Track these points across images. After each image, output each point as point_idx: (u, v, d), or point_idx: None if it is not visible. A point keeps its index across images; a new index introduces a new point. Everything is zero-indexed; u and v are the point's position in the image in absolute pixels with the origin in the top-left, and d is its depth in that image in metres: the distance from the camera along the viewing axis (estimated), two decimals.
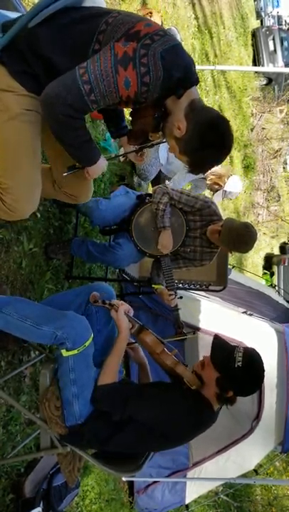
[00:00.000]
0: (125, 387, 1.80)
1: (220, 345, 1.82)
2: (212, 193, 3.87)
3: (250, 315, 3.86)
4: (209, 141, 1.55)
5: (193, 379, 1.79)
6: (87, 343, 1.70)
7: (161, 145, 3.67)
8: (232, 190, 3.71)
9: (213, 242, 2.65)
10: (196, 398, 1.77)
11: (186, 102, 1.56)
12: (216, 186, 3.78)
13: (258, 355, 1.79)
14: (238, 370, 1.69)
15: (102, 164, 1.78)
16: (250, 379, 1.75)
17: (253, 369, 1.74)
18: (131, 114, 1.73)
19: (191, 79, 1.56)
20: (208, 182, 3.92)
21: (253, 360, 1.75)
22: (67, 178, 1.99)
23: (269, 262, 11.77)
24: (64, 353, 1.67)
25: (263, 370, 1.78)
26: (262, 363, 1.77)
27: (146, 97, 1.50)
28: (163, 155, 3.73)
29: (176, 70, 1.47)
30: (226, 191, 3.72)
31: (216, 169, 3.73)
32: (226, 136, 1.57)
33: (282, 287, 10.25)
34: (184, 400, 1.76)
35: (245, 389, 1.78)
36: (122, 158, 3.88)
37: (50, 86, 1.46)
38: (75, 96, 1.44)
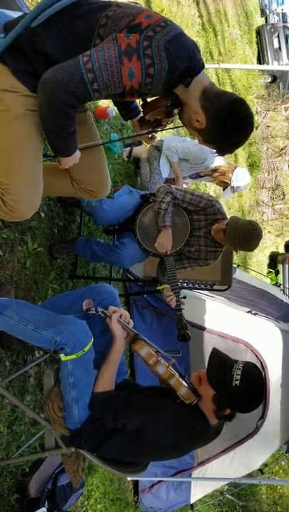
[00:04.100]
0: (118, 397, 1.75)
1: (217, 361, 1.73)
2: (222, 188, 3.87)
3: (255, 314, 3.85)
4: (231, 129, 1.56)
5: (188, 393, 1.72)
6: (86, 348, 1.69)
7: (162, 159, 3.68)
8: (239, 184, 3.68)
9: (218, 241, 2.63)
10: (190, 412, 1.70)
11: (198, 90, 1.55)
12: (223, 184, 3.77)
13: (259, 371, 1.71)
14: (236, 389, 1.61)
15: (77, 156, 1.76)
16: (250, 397, 1.66)
17: (251, 388, 1.65)
18: (142, 106, 1.73)
19: (196, 66, 1.54)
20: (212, 180, 3.91)
21: (252, 378, 1.65)
22: (84, 174, 2.01)
23: (274, 260, 11.74)
24: (63, 357, 1.67)
25: (263, 389, 1.71)
26: (262, 381, 1.70)
27: (150, 89, 1.50)
28: (167, 168, 3.74)
29: (180, 60, 1.46)
30: (233, 187, 3.70)
31: (219, 166, 3.71)
32: (246, 119, 1.57)
33: (287, 286, 10.22)
34: (175, 413, 1.70)
35: (244, 407, 1.68)
36: (125, 158, 3.87)
37: (52, 71, 1.44)
38: (78, 84, 1.42)
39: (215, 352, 1.77)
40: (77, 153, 1.76)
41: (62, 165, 1.78)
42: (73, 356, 1.67)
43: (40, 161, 1.73)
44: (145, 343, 1.84)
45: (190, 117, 1.61)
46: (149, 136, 2.03)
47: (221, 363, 1.72)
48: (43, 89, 1.45)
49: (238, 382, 1.60)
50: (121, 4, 1.54)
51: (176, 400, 1.74)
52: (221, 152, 1.72)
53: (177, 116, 1.71)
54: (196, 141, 1.78)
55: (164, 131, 4.31)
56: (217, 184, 3.91)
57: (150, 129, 1.91)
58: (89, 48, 1.48)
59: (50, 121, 1.53)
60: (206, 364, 1.75)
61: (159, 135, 3.79)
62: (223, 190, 3.80)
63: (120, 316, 1.85)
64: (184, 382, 1.78)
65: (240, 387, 1.60)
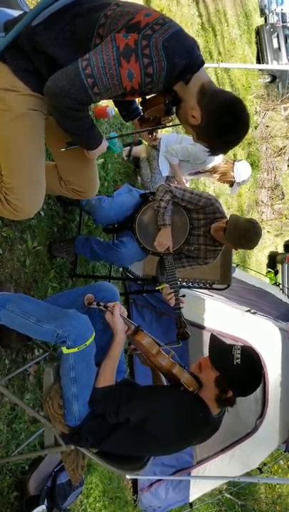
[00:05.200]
0: (119, 391, 1.76)
1: (217, 344, 1.79)
2: (227, 185, 3.89)
3: (254, 313, 3.86)
4: (225, 127, 1.55)
5: (191, 380, 1.75)
6: (88, 342, 1.70)
7: (160, 158, 3.69)
8: (243, 178, 3.71)
9: (217, 240, 2.64)
10: (191, 402, 1.72)
11: (196, 87, 1.55)
12: (228, 182, 3.79)
13: (256, 352, 1.76)
14: (238, 367, 1.66)
15: (103, 146, 1.79)
16: (250, 376, 1.71)
17: (252, 366, 1.70)
18: (141, 104, 1.74)
19: (196, 62, 1.54)
20: (216, 180, 3.93)
21: (251, 356, 1.71)
22: (74, 175, 2.02)
23: (273, 260, 11.75)
24: (64, 350, 1.67)
25: (262, 367, 1.74)
26: (260, 360, 1.75)
27: (150, 88, 1.50)
28: (166, 166, 3.75)
29: (179, 58, 1.46)
30: (238, 183, 3.72)
31: (218, 166, 3.72)
32: (241, 119, 1.56)
33: (286, 285, 10.23)
34: (177, 403, 1.72)
35: (246, 387, 1.73)
36: (125, 157, 3.88)
37: (53, 78, 1.46)
38: (79, 89, 1.44)
39: (214, 337, 1.81)
40: (104, 144, 1.79)
41: (90, 156, 1.83)
42: (75, 349, 1.67)
43: (42, 159, 1.73)
44: (146, 334, 1.85)
45: (186, 113, 1.61)
46: (150, 135, 2.03)
47: (220, 345, 1.78)
48: (46, 96, 1.49)
49: (238, 361, 1.66)
50: (120, 3, 1.54)
51: (178, 389, 1.76)
52: (214, 151, 1.71)
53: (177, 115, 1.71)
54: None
55: (162, 130, 4.31)
56: (222, 183, 3.94)
57: (150, 128, 1.91)
58: (89, 48, 1.48)
59: (63, 124, 1.57)
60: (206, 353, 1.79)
61: (159, 134, 3.79)
62: (230, 186, 3.82)
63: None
64: (185, 371, 1.80)
65: (241, 365, 1.66)
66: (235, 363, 1.66)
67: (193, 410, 1.71)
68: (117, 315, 1.83)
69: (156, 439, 1.71)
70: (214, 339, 1.81)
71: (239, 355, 1.67)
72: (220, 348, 1.76)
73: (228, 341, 3.56)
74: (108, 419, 1.71)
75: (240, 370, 1.66)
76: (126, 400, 1.71)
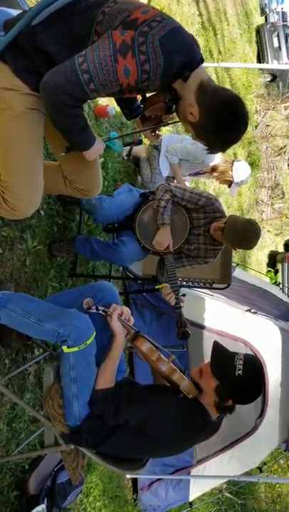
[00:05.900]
0: (119, 393, 1.76)
1: (219, 352, 1.77)
2: (227, 186, 3.88)
3: (254, 313, 3.86)
4: (224, 125, 1.54)
5: (190, 387, 1.74)
6: (88, 341, 1.70)
7: (161, 158, 3.69)
8: (242, 178, 3.69)
9: (217, 240, 2.64)
10: (191, 406, 1.72)
11: (195, 84, 1.54)
12: (227, 182, 3.78)
13: (259, 362, 1.75)
14: (239, 378, 1.64)
15: (98, 147, 1.78)
16: (251, 387, 1.70)
17: (253, 377, 1.69)
18: (142, 102, 1.73)
19: (194, 59, 1.53)
20: (214, 180, 3.92)
21: (253, 367, 1.69)
22: (78, 174, 2.03)
23: (273, 259, 11.75)
24: (65, 349, 1.67)
25: (263, 377, 1.73)
26: (262, 370, 1.73)
27: (147, 85, 1.49)
28: (166, 166, 3.75)
29: (177, 55, 1.45)
30: (237, 183, 3.70)
31: (217, 165, 3.72)
32: (240, 117, 1.55)
33: (286, 285, 10.23)
34: (176, 407, 1.71)
35: (246, 397, 1.72)
36: (125, 157, 3.88)
37: (49, 74, 1.46)
38: (75, 85, 1.43)
39: (216, 344, 1.80)
40: (100, 145, 1.78)
41: (86, 158, 1.80)
42: (76, 349, 1.67)
43: (40, 159, 1.73)
44: (146, 340, 1.84)
45: (184, 110, 1.60)
46: (153, 134, 2.02)
47: (223, 354, 1.76)
48: (42, 91, 1.48)
49: (240, 372, 1.64)
50: (118, 0, 1.53)
51: (177, 394, 1.75)
52: (213, 149, 1.70)
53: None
54: None
55: (163, 130, 4.30)
56: (220, 183, 3.93)
57: (152, 126, 1.90)
58: (87, 45, 1.48)
59: (57, 121, 1.56)
60: (206, 360, 1.78)
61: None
62: (229, 187, 3.81)
63: (121, 314, 1.86)
64: (185, 377, 1.79)
65: (243, 376, 1.64)
66: (237, 374, 1.64)
67: (192, 414, 1.71)
68: (115, 319, 1.83)
69: (156, 440, 1.71)
70: (217, 347, 1.79)
71: (241, 366, 1.65)
72: (222, 357, 1.74)
73: (229, 341, 3.61)
74: (107, 421, 1.71)
75: (242, 381, 1.65)
76: (126, 402, 1.71)
